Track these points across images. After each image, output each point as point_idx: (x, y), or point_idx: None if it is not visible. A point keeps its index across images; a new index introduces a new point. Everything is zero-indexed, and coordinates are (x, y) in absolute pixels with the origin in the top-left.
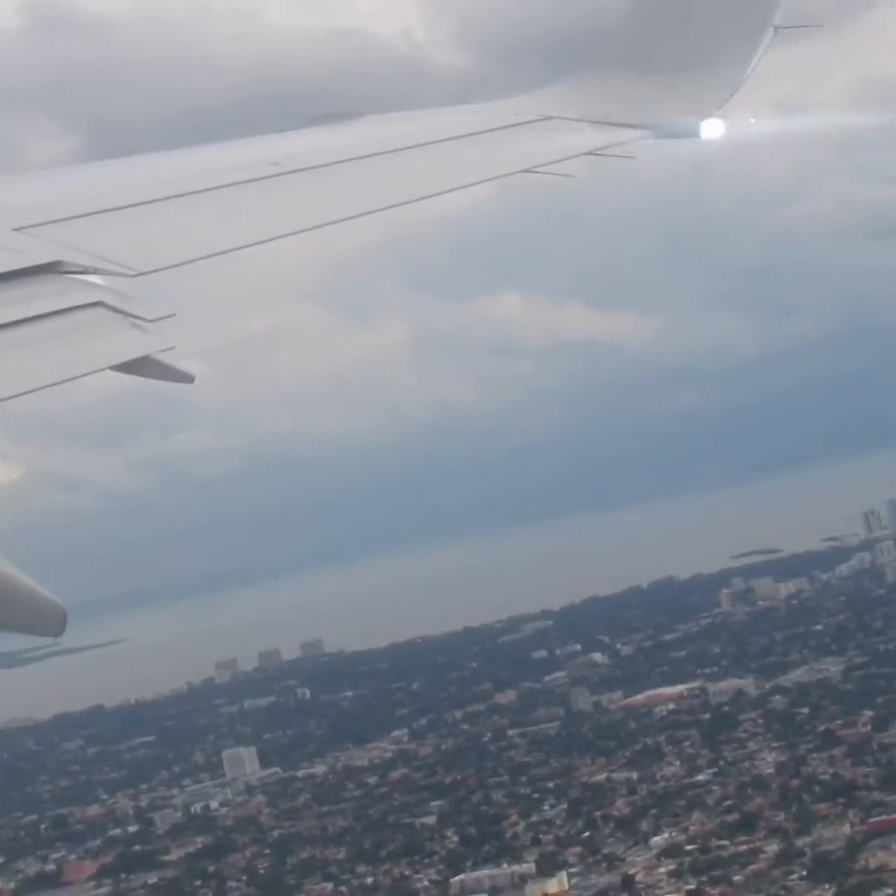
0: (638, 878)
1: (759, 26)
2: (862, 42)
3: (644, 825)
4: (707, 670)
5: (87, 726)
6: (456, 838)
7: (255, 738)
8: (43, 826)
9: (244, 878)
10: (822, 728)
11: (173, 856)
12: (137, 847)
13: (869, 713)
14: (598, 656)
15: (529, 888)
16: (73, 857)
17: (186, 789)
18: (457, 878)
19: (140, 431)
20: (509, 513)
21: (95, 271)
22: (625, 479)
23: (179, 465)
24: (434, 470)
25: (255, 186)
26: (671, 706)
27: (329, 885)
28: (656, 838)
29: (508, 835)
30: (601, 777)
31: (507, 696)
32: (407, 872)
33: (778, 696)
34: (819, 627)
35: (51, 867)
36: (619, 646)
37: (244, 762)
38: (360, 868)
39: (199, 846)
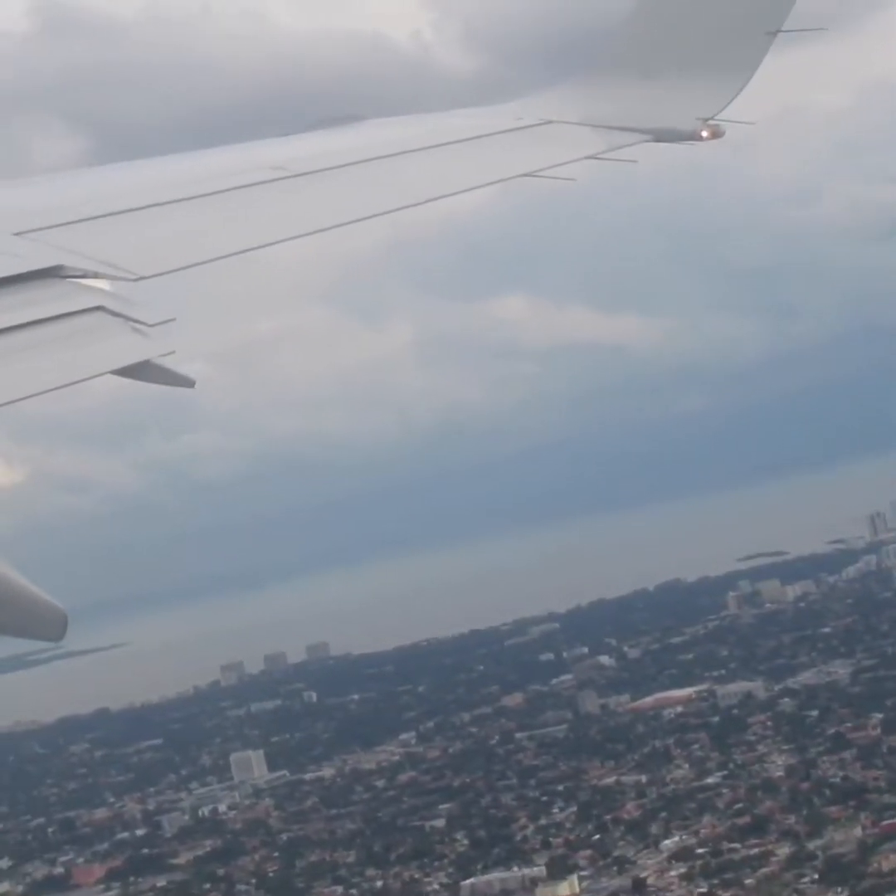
0: (649, 881)
1: (762, 30)
2: (870, 43)
3: (654, 828)
4: (715, 673)
5: (92, 729)
6: (466, 841)
7: (262, 742)
8: (50, 829)
9: (253, 881)
10: (831, 731)
11: (182, 859)
12: (145, 850)
13: (878, 716)
14: (605, 659)
15: (540, 891)
16: (81, 860)
17: (194, 792)
18: (467, 881)
19: (146, 433)
20: (515, 515)
21: (96, 276)
22: (630, 481)
23: (185, 467)
24: (440, 472)
25: (257, 190)
26: (679, 709)
27: (339, 889)
28: (667, 841)
29: (518, 838)
30: (610, 780)
31: (514, 699)
32: (417, 876)
33: (787, 699)
34: (827, 630)
35: (59, 870)
36: (626, 648)
37: (252, 765)
38: (370, 871)
39: (208, 849)
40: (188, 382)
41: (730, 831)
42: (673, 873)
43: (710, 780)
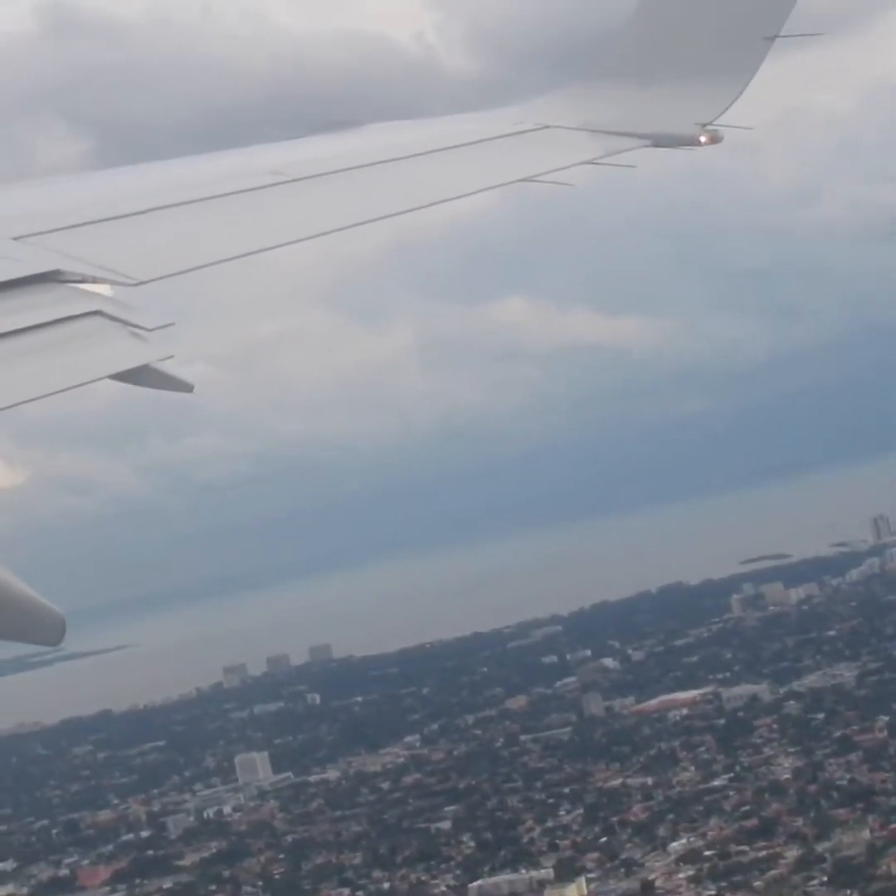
0: (657, 883)
1: (760, 35)
2: (876, 44)
3: (661, 830)
4: (720, 675)
5: (95, 731)
6: (472, 843)
7: (265, 743)
8: (55, 831)
9: (260, 883)
10: (838, 733)
11: (187, 861)
12: (151, 852)
13: (885, 719)
14: (609, 662)
15: (548, 893)
16: (86, 862)
17: (198, 794)
18: (475, 883)
19: (148, 436)
20: (516, 517)
21: (95, 280)
22: (630, 483)
23: (188, 469)
24: (441, 474)
25: (255, 195)
26: (685, 711)
27: (346, 891)
28: (674, 843)
29: (525, 840)
30: (616, 782)
31: (518, 702)
32: (424, 878)
33: (792, 702)
34: (831, 633)
35: (64, 872)
36: (630, 651)
37: (256, 767)
38: (377, 873)
39: (214, 851)
40: (187, 387)
41: (737, 834)
42: (681, 876)
43: (716, 783)
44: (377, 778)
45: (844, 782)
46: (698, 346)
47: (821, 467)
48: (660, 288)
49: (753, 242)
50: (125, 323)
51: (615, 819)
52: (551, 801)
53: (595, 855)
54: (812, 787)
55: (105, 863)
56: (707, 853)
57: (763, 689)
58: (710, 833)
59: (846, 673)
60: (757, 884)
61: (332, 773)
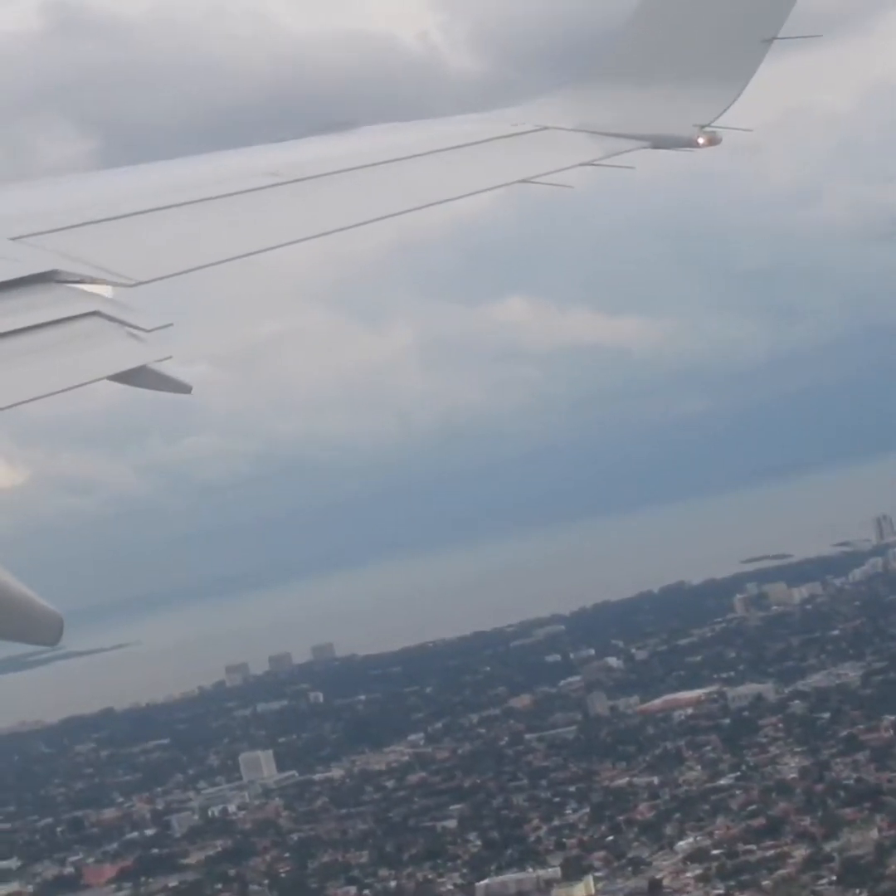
0: (665, 882)
1: (759, 37)
2: (877, 44)
3: (668, 829)
4: (724, 675)
5: (98, 729)
6: (478, 842)
7: (269, 742)
8: (59, 829)
9: (266, 881)
10: (844, 733)
11: (192, 859)
12: (156, 850)
13: (890, 718)
14: (612, 661)
15: (556, 892)
16: (91, 860)
17: (203, 792)
18: (482, 882)
19: (149, 436)
20: (517, 517)
21: (93, 281)
22: (631, 483)
23: (189, 469)
24: (441, 474)
25: (252, 196)
26: (689, 711)
27: (352, 889)
28: (681, 842)
29: (531, 839)
30: (623, 781)
31: (522, 701)
32: (430, 876)
33: (797, 701)
34: (835, 632)
35: (69, 870)
36: (633, 650)
37: (261, 765)
38: (383, 872)
39: (219, 849)
40: (185, 388)
41: (745, 833)
42: (689, 875)
43: (722, 782)
44: (382, 776)
45: (851, 782)
46: (698, 346)
47: (821, 467)
48: (660, 288)
49: (754, 243)
50: (123, 324)
51: (622, 818)
52: (557, 800)
53: (602, 854)
54: (819, 787)
55: (110, 861)
56: (715, 852)
57: (768, 689)
58: (717, 832)
59: (851, 672)
60: (765, 883)
61: (337, 772)
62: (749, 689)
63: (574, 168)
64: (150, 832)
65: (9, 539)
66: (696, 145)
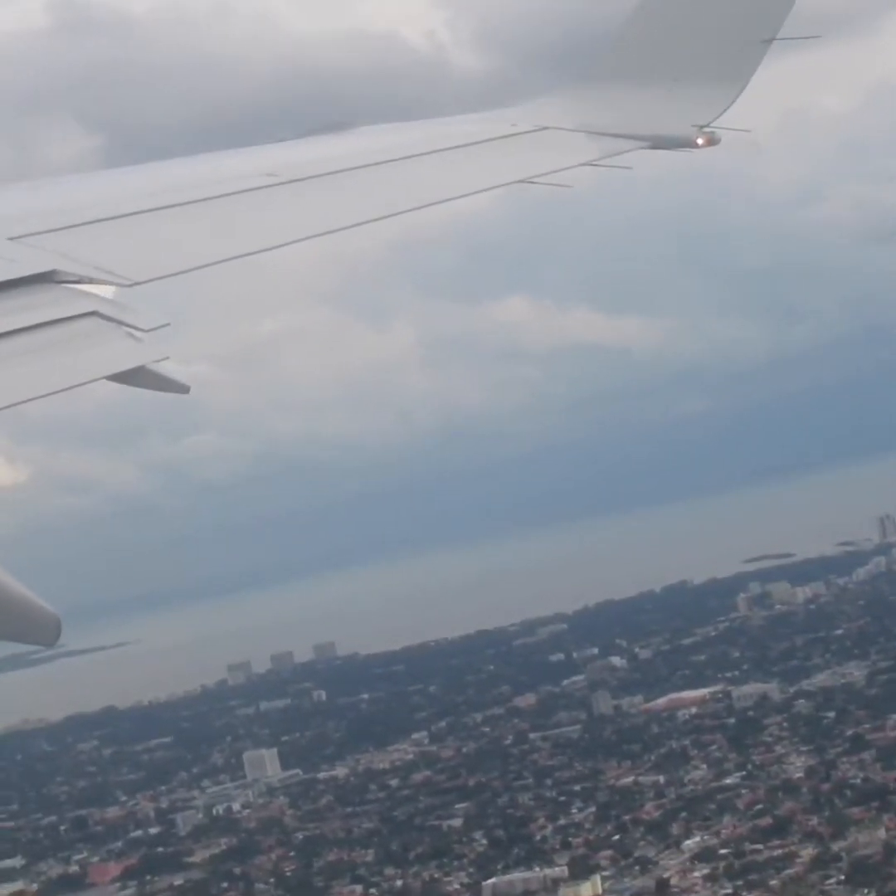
0: (673, 881)
1: (758, 37)
2: (881, 43)
3: (675, 829)
4: (728, 674)
5: (100, 727)
6: (484, 841)
7: (272, 740)
8: (63, 827)
9: (272, 880)
10: (849, 732)
11: (197, 857)
12: (160, 849)
13: None
14: (616, 660)
15: (563, 892)
16: (95, 858)
17: (207, 791)
18: (489, 881)
19: (150, 436)
20: (518, 517)
21: (91, 281)
22: (632, 483)
23: (190, 468)
24: (443, 474)
25: (250, 197)
26: (694, 710)
27: (359, 888)
28: (688, 842)
29: (537, 838)
30: (628, 780)
31: (526, 700)
32: (437, 875)
33: (802, 700)
34: (839, 632)
35: (74, 868)
36: (637, 649)
37: (265, 764)
38: (389, 871)
39: (224, 848)
40: (183, 388)
41: (752, 832)
42: (696, 874)
43: (728, 781)
44: (386, 775)
45: (858, 781)
46: (698, 346)
47: (821, 467)
48: (660, 288)
49: (755, 243)
50: (121, 324)
51: (628, 817)
52: (563, 799)
53: (608, 853)
54: (825, 786)
55: (115, 859)
56: (722, 851)
57: (772, 688)
58: (724, 831)
59: (856, 672)
60: (773, 882)
61: (341, 770)
62: (754, 688)
63: (573, 168)
64: (154, 831)
65: (10, 537)
66: (695, 146)
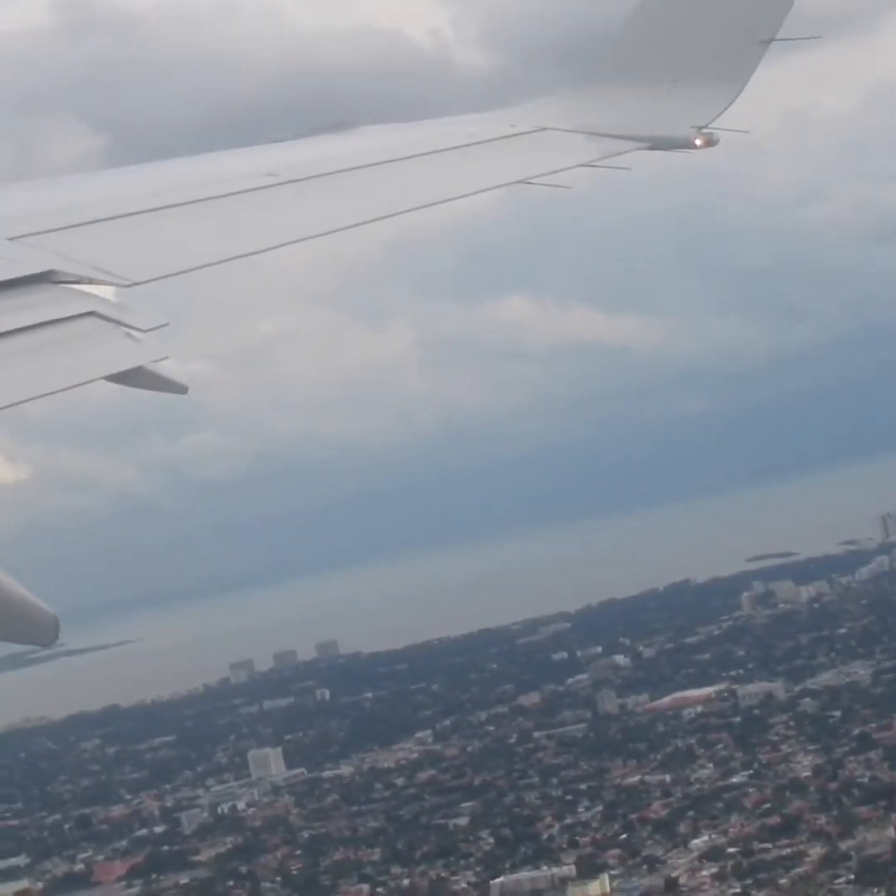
0: (681, 880)
1: (757, 38)
2: (882, 43)
3: (682, 827)
4: (732, 673)
5: (103, 726)
6: (491, 840)
7: (276, 739)
8: (67, 826)
9: (278, 879)
10: (855, 731)
11: (203, 856)
12: (166, 847)
13: None
14: (620, 659)
15: (571, 890)
16: (100, 857)
17: (211, 790)
18: (497, 880)
19: (150, 435)
20: (519, 517)
21: (90, 281)
22: (632, 483)
23: (189, 468)
24: (443, 474)
25: (250, 197)
26: (699, 709)
27: (366, 887)
28: (696, 841)
29: (544, 837)
30: (634, 779)
31: (530, 698)
32: (443, 874)
33: (808, 699)
34: (843, 631)
35: (79, 867)
36: (640, 648)
37: (270, 762)
38: (396, 869)
39: (229, 846)
40: (181, 389)
41: (760, 831)
42: (705, 873)
43: (735, 780)
44: (391, 774)
45: (865, 780)
46: (698, 346)
47: (821, 467)
48: (660, 288)
49: (755, 243)
50: (120, 324)
51: (635, 816)
52: (569, 797)
53: (616, 852)
54: (833, 785)
55: (120, 858)
56: (730, 850)
57: (778, 687)
58: (731, 830)
59: (861, 671)
60: (783, 881)
61: (346, 769)
62: (759, 687)
63: (573, 169)
64: (159, 829)
65: (11, 537)
66: (694, 146)
